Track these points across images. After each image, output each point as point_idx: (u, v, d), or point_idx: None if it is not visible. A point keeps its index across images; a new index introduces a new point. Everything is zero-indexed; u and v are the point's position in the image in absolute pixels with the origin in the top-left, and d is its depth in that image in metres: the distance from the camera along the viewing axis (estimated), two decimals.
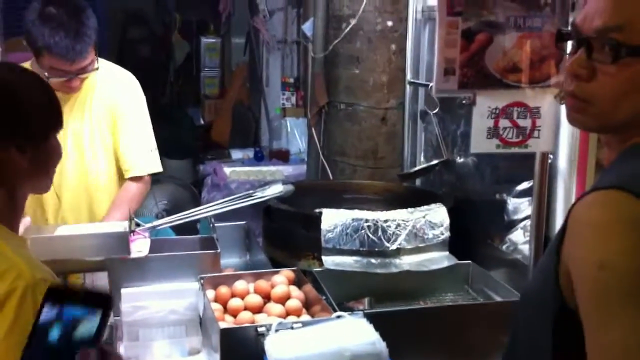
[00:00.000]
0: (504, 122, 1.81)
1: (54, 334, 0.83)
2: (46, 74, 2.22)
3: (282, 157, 4.76)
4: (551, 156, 1.91)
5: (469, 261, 2.23)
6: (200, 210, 2.38)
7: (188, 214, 2.34)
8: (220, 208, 2.35)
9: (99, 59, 2.41)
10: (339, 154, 3.58)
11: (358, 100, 3.46)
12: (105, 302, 0.84)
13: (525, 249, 2.05)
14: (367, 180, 3.46)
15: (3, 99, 1.27)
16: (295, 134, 4.84)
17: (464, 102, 2.10)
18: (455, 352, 1.91)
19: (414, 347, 1.88)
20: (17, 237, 1.34)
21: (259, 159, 4.83)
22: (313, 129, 3.67)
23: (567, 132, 1.87)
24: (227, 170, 4.38)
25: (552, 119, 1.84)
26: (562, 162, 1.90)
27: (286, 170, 4.44)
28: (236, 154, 4.99)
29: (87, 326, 0.83)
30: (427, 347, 1.90)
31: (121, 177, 2.60)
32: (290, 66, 5.01)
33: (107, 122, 2.53)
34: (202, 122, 6.67)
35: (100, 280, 2.01)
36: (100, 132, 2.52)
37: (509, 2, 1.73)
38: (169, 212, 5.03)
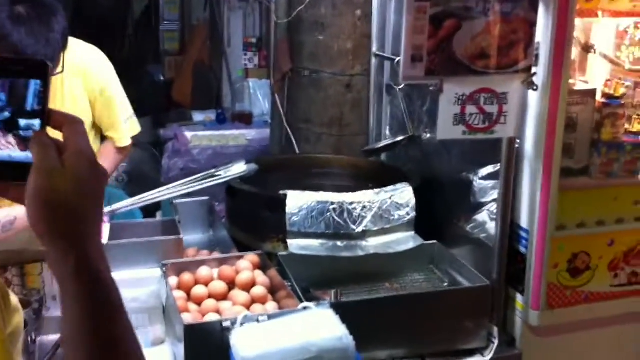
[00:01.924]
0: (470, 109, 1.77)
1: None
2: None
3: (245, 120, 4.68)
4: (518, 141, 1.88)
5: (435, 241, 2.23)
6: (162, 191, 2.32)
7: (149, 195, 2.27)
8: (183, 189, 2.29)
9: None
10: (304, 121, 3.53)
11: (323, 67, 3.40)
12: (44, 70, 0.79)
13: (491, 229, 2.04)
14: (332, 148, 3.44)
15: None
16: (259, 96, 4.75)
17: (430, 88, 2.06)
18: (423, 339, 1.92)
19: (381, 336, 1.88)
20: None
21: (221, 121, 4.74)
22: (277, 96, 3.60)
23: (534, 117, 1.84)
24: (189, 134, 4.29)
25: (519, 105, 1.81)
26: (529, 146, 1.88)
27: (249, 134, 4.37)
28: (198, 117, 4.89)
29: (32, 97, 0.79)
30: (395, 336, 1.90)
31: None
32: (253, 25, 4.89)
33: (84, 101, 2.54)
34: (162, 78, 6.51)
35: None
36: (80, 112, 2.49)
37: None
38: (129, 174, 4.94)
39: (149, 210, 3.08)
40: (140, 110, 5.63)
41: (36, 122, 0.78)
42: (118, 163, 2.82)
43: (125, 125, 2.69)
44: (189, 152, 4.07)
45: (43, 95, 0.79)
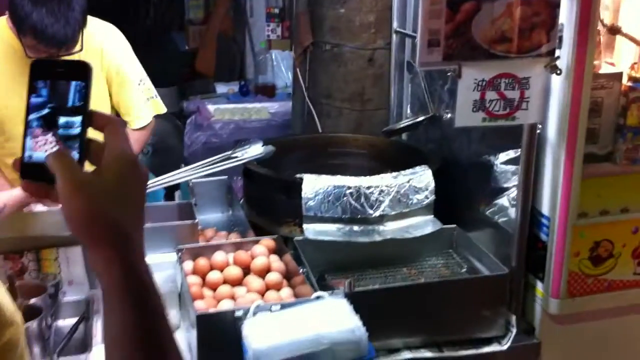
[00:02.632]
0: (490, 94, 1.71)
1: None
2: (28, 52, 2.14)
3: (268, 92, 4.63)
4: (540, 126, 1.82)
5: (454, 225, 2.19)
6: (179, 173, 2.31)
7: (166, 178, 2.26)
8: (200, 171, 2.28)
9: None
10: (325, 96, 3.47)
11: (344, 41, 3.33)
12: (86, 71, 0.80)
13: (512, 215, 1.99)
14: (354, 123, 3.39)
15: None
16: (282, 68, 4.69)
17: (448, 74, 2.00)
18: (440, 327, 1.89)
19: (396, 325, 1.86)
20: None
21: (244, 94, 4.70)
22: (298, 70, 3.55)
23: (557, 102, 1.77)
24: (212, 108, 4.26)
25: (542, 90, 1.74)
26: (551, 132, 1.82)
27: (272, 107, 4.32)
28: (221, 88, 4.85)
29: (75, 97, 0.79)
30: (410, 324, 1.87)
31: None
32: None
33: (101, 81, 2.48)
34: (186, 48, 6.46)
35: (74, 255, 1.95)
36: (94, 92, 2.42)
37: None
38: (153, 146, 4.95)
39: (168, 188, 3.08)
40: (165, 80, 5.63)
41: (77, 120, 0.78)
42: (143, 144, 2.71)
43: (144, 107, 2.60)
44: (211, 126, 4.05)
45: (85, 95, 0.78)
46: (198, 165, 2.30)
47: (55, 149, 0.77)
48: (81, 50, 2.26)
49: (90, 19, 2.44)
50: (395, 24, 2.64)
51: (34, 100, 0.78)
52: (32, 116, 0.78)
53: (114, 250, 0.75)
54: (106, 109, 2.51)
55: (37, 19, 2.07)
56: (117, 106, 2.56)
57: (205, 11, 6.47)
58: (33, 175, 0.77)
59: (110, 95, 2.55)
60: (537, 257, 1.94)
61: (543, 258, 1.92)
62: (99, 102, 2.43)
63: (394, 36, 2.65)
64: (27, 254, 1.93)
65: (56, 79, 0.79)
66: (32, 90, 0.78)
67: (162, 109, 2.70)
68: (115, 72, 2.51)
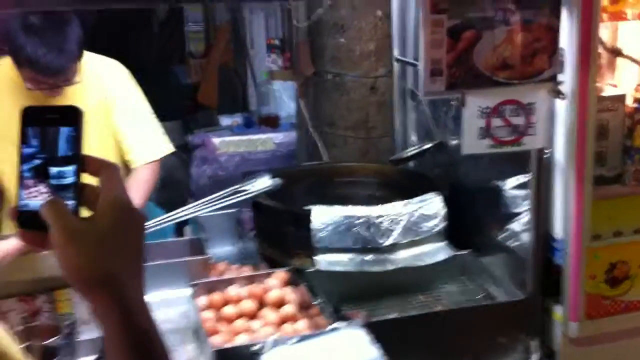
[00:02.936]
0: (496, 121, 1.72)
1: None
2: (27, 85, 2.17)
3: (272, 123, 4.66)
4: (547, 151, 1.83)
5: (466, 251, 2.19)
6: (187, 209, 2.31)
7: (174, 215, 2.27)
8: (208, 207, 2.28)
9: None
10: (329, 125, 3.49)
11: (345, 70, 3.35)
12: (77, 116, 0.79)
13: (524, 239, 1.99)
14: (359, 152, 3.40)
15: None
16: (284, 98, 4.73)
17: (452, 102, 2.01)
18: (458, 355, 1.89)
19: (414, 353, 1.85)
20: None
21: (248, 125, 4.73)
22: (300, 100, 3.57)
23: (563, 126, 1.79)
24: (217, 141, 4.28)
25: (547, 114, 1.75)
26: (559, 155, 1.83)
27: (277, 137, 4.34)
28: (225, 121, 4.88)
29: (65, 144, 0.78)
30: (429, 352, 1.87)
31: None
32: (275, 27, 4.86)
33: (102, 119, 2.46)
34: (188, 81, 6.50)
35: None
36: (98, 130, 2.45)
37: None
38: (161, 180, 4.96)
39: (177, 224, 3.08)
40: (168, 113, 5.66)
41: (70, 169, 0.77)
42: (156, 177, 2.63)
43: (159, 138, 2.58)
44: (217, 160, 4.07)
45: (76, 141, 0.78)
46: (207, 200, 2.30)
47: (49, 198, 0.77)
48: (79, 81, 2.27)
49: (93, 56, 2.47)
50: (395, 52, 2.66)
51: (26, 150, 0.78)
52: (25, 166, 0.78)
53: (110, 299, 0.74)
54: (110, 149, 2.51)
55: (31, 49, 2.09)
56: (126, 141, 2.52)
57: (205, 44, 6.53)
58: (29, 224, 0.77)
59: (116, 133, 2.53)
60: (553, 281, 1.94)
61: (558, 282, 1.92)
62: (99, 143, 2.44)
63: (394, 64, 2.67)
64: (40, 295, 1.94)
65: (47, 125, 0.78)
66: (23, 138, 0.78)
67: (169, 148, 2.66)
68: (123, 107, 2.50)
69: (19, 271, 1.99)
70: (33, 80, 2.17)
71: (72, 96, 2.34)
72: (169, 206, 2.54)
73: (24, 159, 0.78)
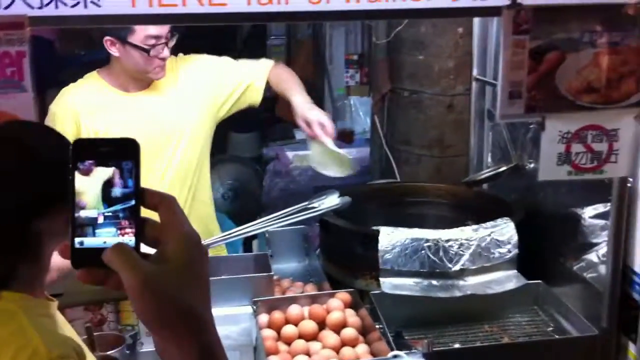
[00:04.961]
0: (576, 147, 1.63)
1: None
2: (146, 45, 2.27)
3: (347, 138, 4.62)
4: (631, 180, 1.72)
5: (539, 281, 2.09)
6: (257, 223, 2.30)
7: (244, 229, 2.26)
8: (277, 221, 2.27)
9: None
10: (403, 142, 3.43)
11: (423, 87, 3.29)
12: (135, 149, 0.74)
13: (601, 271, 1.88)
14: (433, 170, 3.33)
15: (20, 163, 1.19)
16: (360, 113, 4.69)
17: (531, 126, 1.93)
18: None
19: None
20: (41, 302, 1.27)
21: None
22: (376, 117, 3.53)
23: None
24: (290, 154, 4.28)
25: (632, 141, 1.65)
26: None
27: (350, 153, 4.28)
28: (300, 135, 4.87)
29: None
30: None
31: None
32: (354, 42, 4.83)
33: (207, 107, 2.54)
34: (268, 94, 6.56)
35: None
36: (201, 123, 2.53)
37: (583, 16, 1.54)
38: (234, 191, 5.01)
39: (246, 238, 3.09)
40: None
41: (129, 205, 0.73)
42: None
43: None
44: (290, 173, 4.06)
45: (136, 176, 0.73)
46: (276, 216, 2.29)
47: (109, 238, 0.73)
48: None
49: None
50: (475, 71, 2.59)
51: (80, 185, 0.73)
52: (79, 202, 0.73)
53: (192, 337, 0.72)
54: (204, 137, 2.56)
55: None
56: (240, 84, 2.58)
57: (286, 57, 6.59)
58: (86, 261, 0.72)
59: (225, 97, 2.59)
60: (629, 318, 1.82)
61: (636, 318, 1.80)
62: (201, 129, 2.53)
63: (473, 83, 2.60)
64: (106, 305, 1.95)
65: (102, 158, 0.74)
66: (76, 173, 0.73)
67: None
68: (219, 71, 2.57)
69: None
70: (147, 38, 2.26)
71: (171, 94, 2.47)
72: (241, 217, 2.55)
73: (79, 194, 0.74)
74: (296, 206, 2.31)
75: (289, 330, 1.93)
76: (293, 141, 4.80)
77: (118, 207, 0.73)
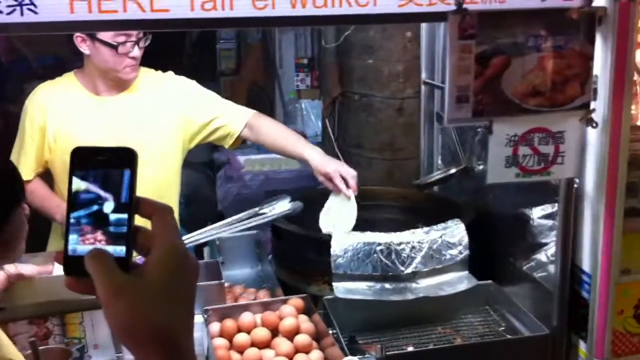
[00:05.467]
0: (523, 150, 1.65)
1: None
2: (114, 42, 2.21)
3: None
4: (577, 180, 1.75)
5: (490, 281, 2.11)
6: (208, 231, 2.28)
7: (195, 236, 2.23)
8: (227, 229, 2.25)
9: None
10: (355, 146, 3.44)
11: (373, 91, 3.31)
12: (132, 158, 0.73)
13: (551, 271, 1.91)
14: (384, 173, 3.34)
15: None
16: (311, 117, 4.68)
17: (478, 129, 1.94)
18: None
19: None
20: None
21: None
22: (327, 120, 3.53)
23: (593, 155, 1.71)
24: (242, 159, 4.24)
25: (577, 143, 1.68)
26: (589, 186, 1.75)
27: None
28: None
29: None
30: None
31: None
32: (304, 46, 4.82)
33: (179, 128, 2.47)
34: None
35: (99, 319, 1.92)
36: (170, 140, 2.47)
37: (527, 21, 1.55)
38: (185, 197, 4.95)
39: (197, 245, 3.04)
40: None
41: (123, 215, 0.72)
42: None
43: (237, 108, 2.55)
44: (242, 178, 4.02)
45: (131, 186, 0.72)
46: (227, 223, 2.27)
47: (102, 246, 0.71)
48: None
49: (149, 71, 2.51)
50: (423, 75, 2.60)
51: (76, 193, 0.73)
52: (75, 210, 0.72)
53: (166, 355, 0.68)
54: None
55: None
56: (219, 120, 2.49)
57: (236, 62, 6.54)
58: (77, 269, 0.71)
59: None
60: (579, 316, 1.85)
61: (585, 317, 1.83)
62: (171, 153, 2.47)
63: (422, 87, 2.62)
64: (51, 318, 1.90)
65: (99, 167, 0.73)
66: (73, 181, 0.73)
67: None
68: (197, 103, 2.50)
69: (31, 294, 1.96)
70: (117, 36, 2.20)
71: (145, 110, 2.41)
72: (194, 224, 2.50)
73: (74, 202, 0.73)
74: (247, 212, 2.29)
75: (241, 338, 1.90)
76: (244, 146, 4.76)
77: (112, 215, 0.72)
